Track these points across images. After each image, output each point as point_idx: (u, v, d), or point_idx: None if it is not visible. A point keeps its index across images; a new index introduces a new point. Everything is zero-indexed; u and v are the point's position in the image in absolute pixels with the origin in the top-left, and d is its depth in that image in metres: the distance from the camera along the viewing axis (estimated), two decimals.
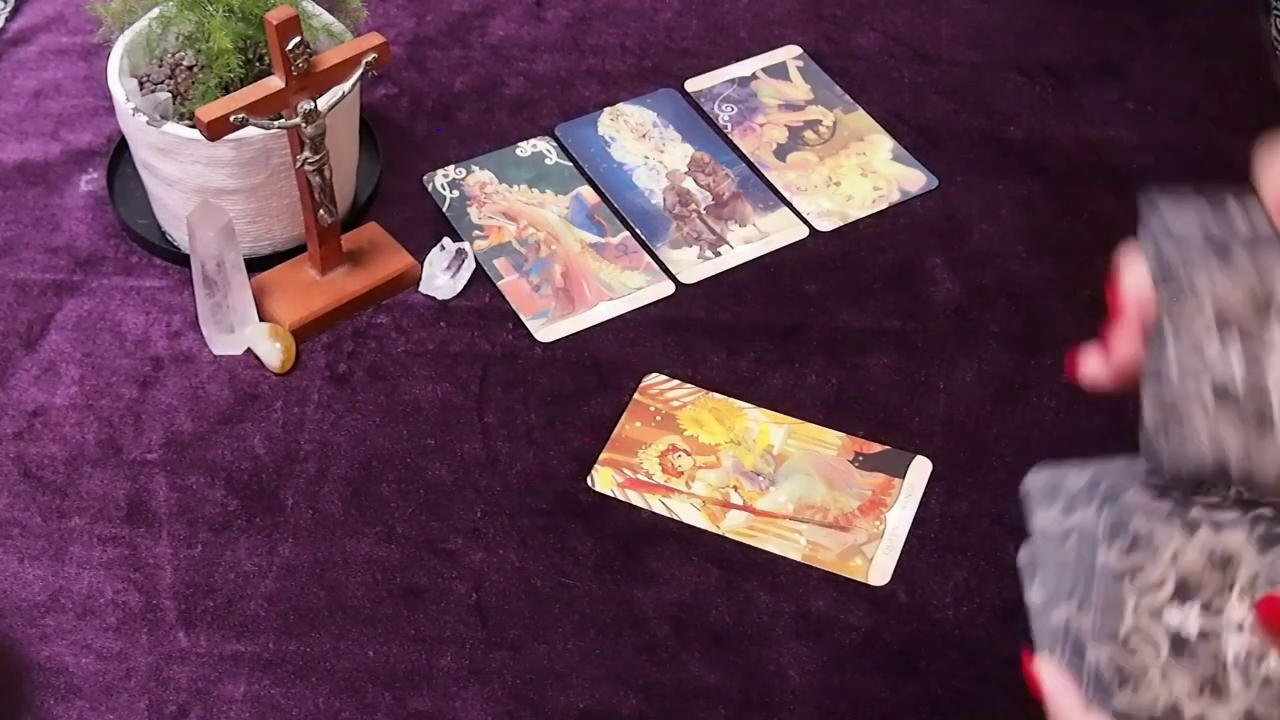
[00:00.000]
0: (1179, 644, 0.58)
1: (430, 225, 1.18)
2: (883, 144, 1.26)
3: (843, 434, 1.05)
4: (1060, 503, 0.65)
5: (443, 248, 1.14)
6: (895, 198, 1.22)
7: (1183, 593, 0.57)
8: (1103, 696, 0.59)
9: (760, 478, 1.02)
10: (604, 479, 1.02)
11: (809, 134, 1.27)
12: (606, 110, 1.29)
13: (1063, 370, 1.09)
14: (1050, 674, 0.61)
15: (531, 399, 1.06)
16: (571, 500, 1.00)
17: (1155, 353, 0.57)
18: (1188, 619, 0.58)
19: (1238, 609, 0.57)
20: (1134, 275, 0.57)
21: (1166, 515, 0.57)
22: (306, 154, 1.02)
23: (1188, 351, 0.57)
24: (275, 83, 0.98)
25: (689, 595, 0.95)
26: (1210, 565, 0.57)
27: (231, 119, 0.96)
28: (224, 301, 1.05)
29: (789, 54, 1.35)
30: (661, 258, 1.17)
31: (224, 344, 1.08)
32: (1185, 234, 0.57)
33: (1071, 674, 0.60)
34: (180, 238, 1.13)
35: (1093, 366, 0.60)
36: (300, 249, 1.12)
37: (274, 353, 1.07)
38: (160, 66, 1.11)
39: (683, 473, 1.02)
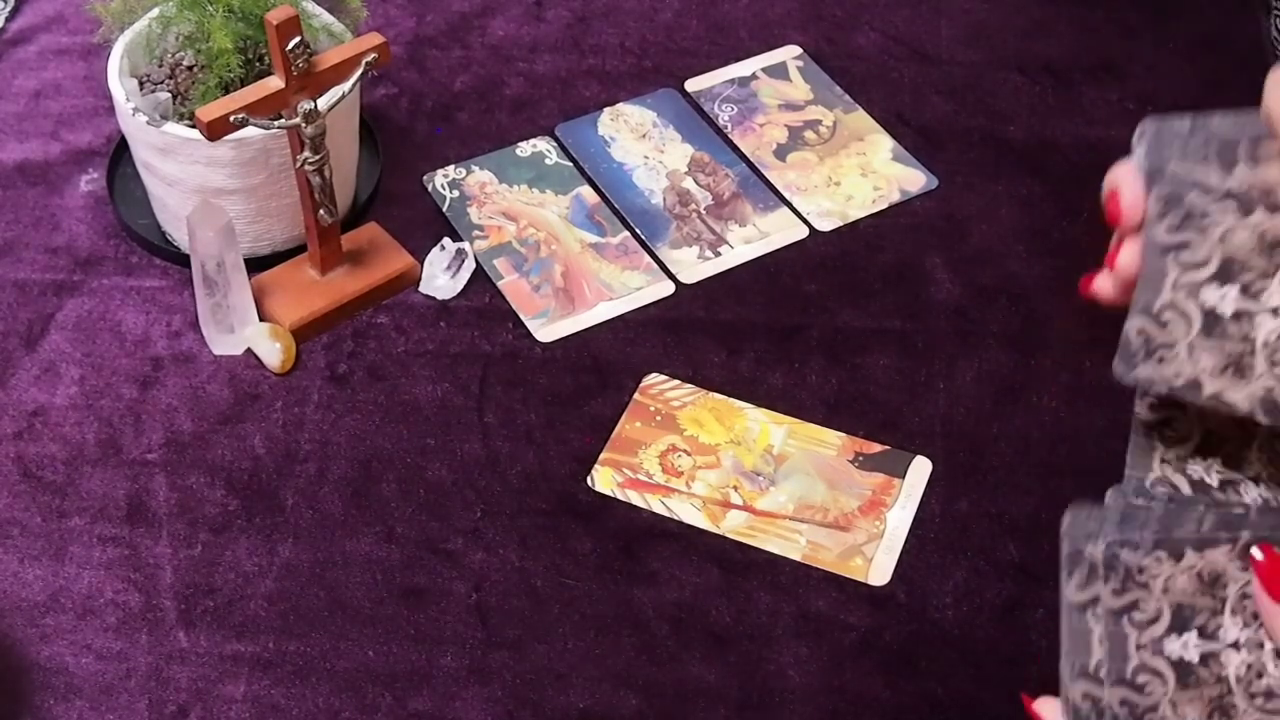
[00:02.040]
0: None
1: (430, 225, 1.18)
2: (883, 144, 1.26)
3: (843, 434, 1.05)
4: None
5: (443, 248, 1.14)
6: (895, 198, 1.22)
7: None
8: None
9: (760, 478, 1.02)
10: (604, 479, 1.02)
11: (809, 134, 1.27)
12: (606, 110, 1.29)
13: (1063, 370, 1.09)
14: (1050, 711, 0.62)
15: (531, 399, 1.06)
16: (571, 500, 1.00)
17: (1150, 281, 0.57)
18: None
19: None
20: (1133, 193, 0.57)
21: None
22: (306, 154, 1.02)
23: (1184, 288, 0.57)
24: (275, 83, 0.98)
25: (689, 595, 0.95)
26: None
27: (231, 119, 0.96)
28: (224, 301, 1.05)
29: (789, 54, 1.35)
30: (661, 258, 1.17)
31: (224, 344, 1.08)
32: (1204, 180, 0.56)
33: None
34: (180, 238, 1.13)
35: (1103, 284, 0.61)
36: (300, 249, 1.12)
37: (274, 353, 1.07)
38: (160, 66, 1.11)
39: (683, 473, 1.02)
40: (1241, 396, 0.57)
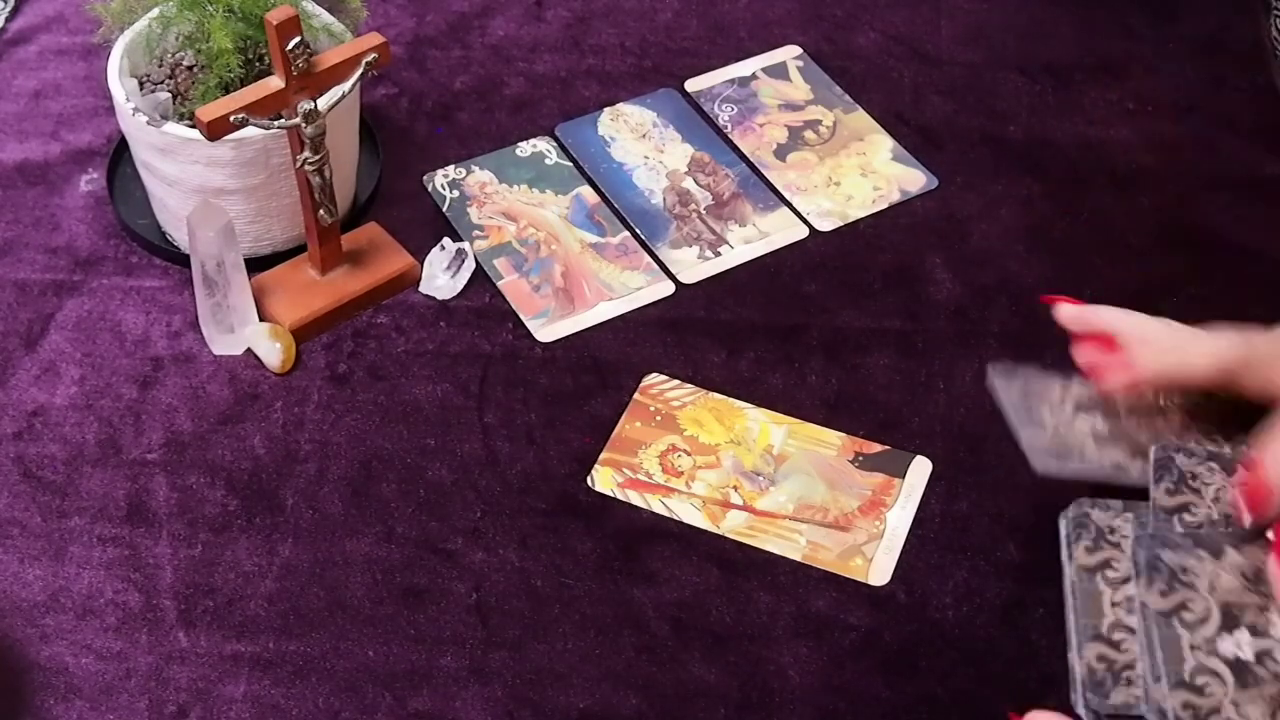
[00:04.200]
0: (1241, 671, 0.59)
1: (430, 225, 1.18)
2: (883, 144, 1.26)
3: (843, 434, 1.05)
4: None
5: (443, 248, 1.14)
6: (895, 198, 1.22)
7: (1230, 621, 0.59)
8: None
9: (760, 478, 1.02)
10: (604, 479, 1.02)
11: (809, 134, 1.27)
12: (606, 110, 1.29)
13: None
14: None
15: (531, 399, 1.06)
16: (571, 500, 1.00)
17: (1169, 650, 0.60)
18: (1241, 645, 0.60)
19: None
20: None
21: (1191, 546, 0.58)
22: (306, 154, 1.02)
23: (1201, 647, 0.60)
24: (275, 83, 0.98)
25: (689, 595, 0.95)
26: (1245, 583, 0.58)
27: (231, 119, 0.96)
28: (224, 301, 1.05)
29: (789, 54, 1.35)
30: (661, 258, 1.17)
31: (224, 344, 1.08)
32: (1179, 539, 0.59)
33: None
34: (180, 238, 1.13)
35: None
36: (300, 249, 1.12)
37: (274, 353, 1.07)
38: (160, 66, 1.11)
39: (683, 473, 1.02)
40: None
